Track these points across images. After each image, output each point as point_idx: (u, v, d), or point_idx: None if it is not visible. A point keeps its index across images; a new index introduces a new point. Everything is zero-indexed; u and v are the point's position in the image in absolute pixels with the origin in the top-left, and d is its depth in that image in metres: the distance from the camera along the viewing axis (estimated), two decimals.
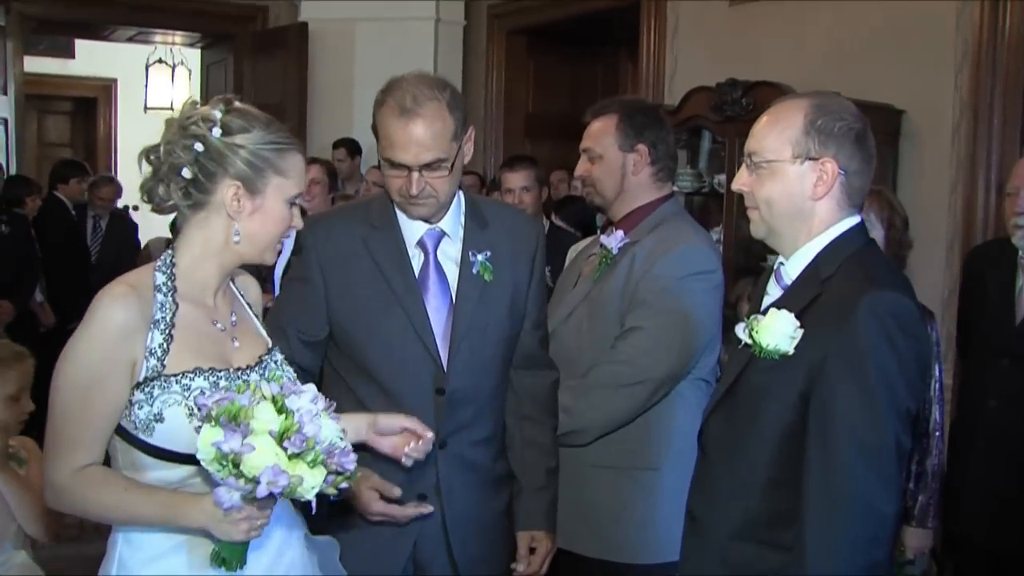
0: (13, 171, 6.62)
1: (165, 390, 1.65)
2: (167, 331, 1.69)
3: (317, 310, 2.13)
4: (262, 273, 2.01)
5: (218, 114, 1.71)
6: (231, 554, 1.64)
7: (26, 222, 5.92)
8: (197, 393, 1.63)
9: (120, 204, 7.45)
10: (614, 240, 2.48)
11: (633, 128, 2.48)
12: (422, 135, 1.99)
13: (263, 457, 1.48)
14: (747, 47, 4.87)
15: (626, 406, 2.36)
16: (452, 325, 2.12)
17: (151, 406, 1.64)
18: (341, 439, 1.58)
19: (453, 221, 2.16)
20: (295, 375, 1.83)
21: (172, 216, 1.86)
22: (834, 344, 1.62)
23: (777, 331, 1.67)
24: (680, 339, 2.36)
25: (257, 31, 7.43)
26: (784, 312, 1.69)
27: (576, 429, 2.37)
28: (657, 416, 2.39)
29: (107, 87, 10.71)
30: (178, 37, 8.60)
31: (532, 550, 2.26)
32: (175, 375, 1.66)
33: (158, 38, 8.97)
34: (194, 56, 8.95)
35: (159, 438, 1.65)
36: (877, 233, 2.59)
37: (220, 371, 1.71)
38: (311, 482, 1.51)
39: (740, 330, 1.75)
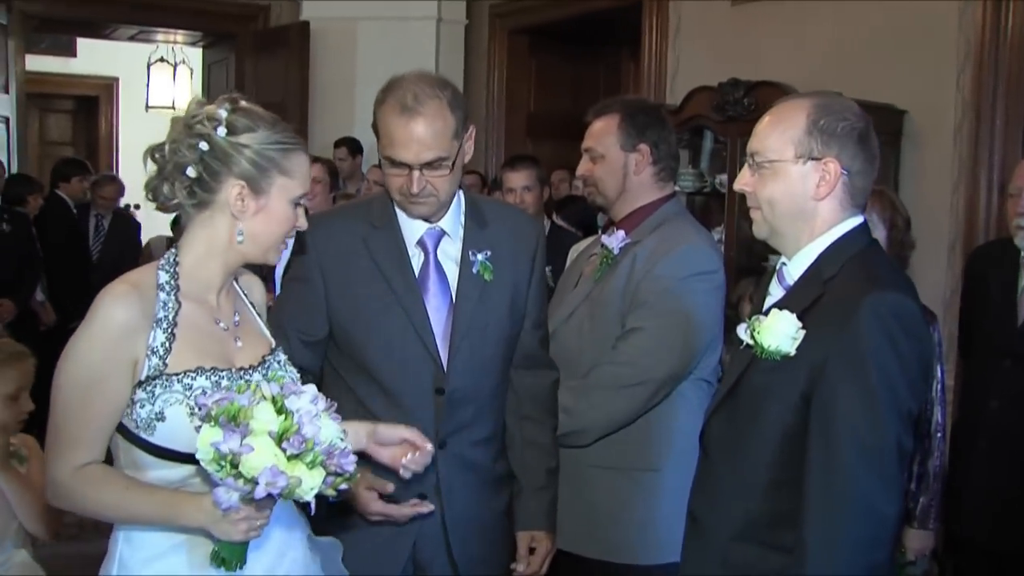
0: (14, 170, 6.63)
1: (167, 389, 1.65)
2: (169, 330, 1.69)
3: (317, 309, 2.13)
4: (263, 272, 2.01)
5: (224, 113, 1.71)
6: (231, 554, 1.64)
7: (27, 221, 5.92)
8: (199, 392, 1.63)
9: (122, 203, 7.45)
10: (615, 240, 2.48)
11: (635, 128, 2.48)
12: (423, 133, 1.99)
13: (262, 458, 1.47)
14: (749, 47, 4.87)
15: (627, 407, 2.36)
16: (452, 325, 2.11)
17: (153, 405, 1.64)
18: (342, 439, 1.57)
19: (453, 220, 2.16)
20: (298, 376, 1.83)
21: (173, 214, 1.86)
22: (836, 345, 1.61)
23: (779, 332, 1.67)
24: (681, 340, 2.35)
25: (259, 30, 7.43)
26: (786, 313, 1.68)
27: (577, 430, 2.36)
28: (658, 417, 2.39)
29: (109, 86, 10.71)
30: (180, 36, 8.60)
31: (532, 550, 2.26)
32: (177, 374, 1.66)
33: (160, 37, 8.98)
34: (196, 55, 8.95)
35: (160, 437, 1.65)
36: (879, 233, 2.58)
37: (222, 371, 1.71)
38: (310, 483, 1.51)
39: (742, 331, 1.75)
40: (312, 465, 1.51)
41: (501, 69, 7.01)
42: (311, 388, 1.59)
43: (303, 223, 1.80)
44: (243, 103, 1.75)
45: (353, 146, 6.51)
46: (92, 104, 10.89)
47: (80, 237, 6.65)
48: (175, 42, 9.14)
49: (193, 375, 1.67)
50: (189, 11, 7.40)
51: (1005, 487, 2.76)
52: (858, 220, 1.76)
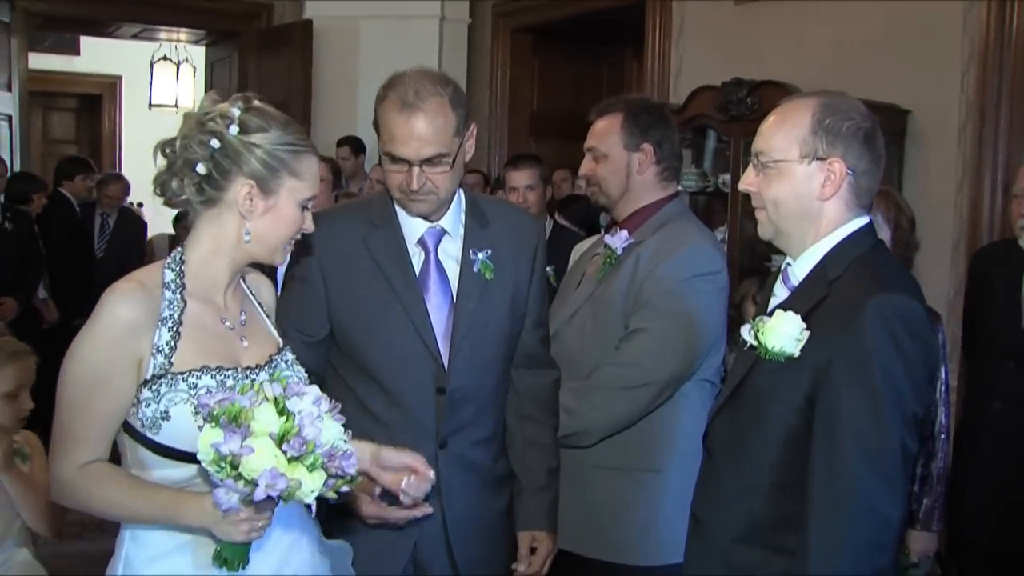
0: (17, 168, 6.62)
1: (172, 388, 1.65)
2: (175, 329, 1.68)
3: (317, 309, 2.12)
4: (265, 270, 2.00)
5: (237, 112, 1.71)
6: (233, 554, 1.63)
7: (29, 219, 5.92)
8: (204, 392, 1.62)
9: (126, 201, 7.45)
10: (618, 240, 2.47)
11: (638, 127, 2.47)
12: (423, 129, 1.98)
13: (262, 459, 1.46)
14: (752, 46, 4.86)
15: (629, 408, 2.35)
16: (453, 324, 2.11)
17: (158, 404, 1.64)
18: (344, 441, 1.56)
19: (454, 219, 2.15)
20: (305, 375, 1.82)
21: (175, 212, 1.86)
22: (840, 347, 1.60)
23: (783, 333, 1.66)
24: (684, 341, 2.34)
25: (262, 28, 7.43)
26: (790, 314, 1.67)
27: (579, 431, 2.36)
28: (661, 417, 2.38)
29: (112, 84, 10.72)
30: (183, 34, 8.61)
31: (533, 550, 2.25)
32: (182, 373, 1.66)
33: (163, 35, 8.99)
34: (199, 53, 8.96)
35: (165, 436, 1.64)
36: (884, 234, 2.58)
37: (228, 370, 1.71)
38: (310, 486, 1.50)
39: (746, 332, 1.74)
40: (313, 467, 1.50)
41: (504, 68, 7.00)
42: (314, 389, 1.58)
43: (310, 225, 1.80)
44: (256, 103, 1.75)
45: (356, 145, 6.51)
46: (95, 102, 10.91)
47: (84, 235, 6.65)
48: (178, 40, 9.15)
49: (198, 374, 1.67)
50: (192, 9, 7.41)
51: (1008, 488, 2.76)
52: (864, 220, 1.75)
